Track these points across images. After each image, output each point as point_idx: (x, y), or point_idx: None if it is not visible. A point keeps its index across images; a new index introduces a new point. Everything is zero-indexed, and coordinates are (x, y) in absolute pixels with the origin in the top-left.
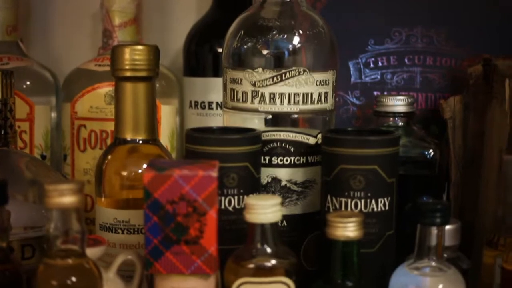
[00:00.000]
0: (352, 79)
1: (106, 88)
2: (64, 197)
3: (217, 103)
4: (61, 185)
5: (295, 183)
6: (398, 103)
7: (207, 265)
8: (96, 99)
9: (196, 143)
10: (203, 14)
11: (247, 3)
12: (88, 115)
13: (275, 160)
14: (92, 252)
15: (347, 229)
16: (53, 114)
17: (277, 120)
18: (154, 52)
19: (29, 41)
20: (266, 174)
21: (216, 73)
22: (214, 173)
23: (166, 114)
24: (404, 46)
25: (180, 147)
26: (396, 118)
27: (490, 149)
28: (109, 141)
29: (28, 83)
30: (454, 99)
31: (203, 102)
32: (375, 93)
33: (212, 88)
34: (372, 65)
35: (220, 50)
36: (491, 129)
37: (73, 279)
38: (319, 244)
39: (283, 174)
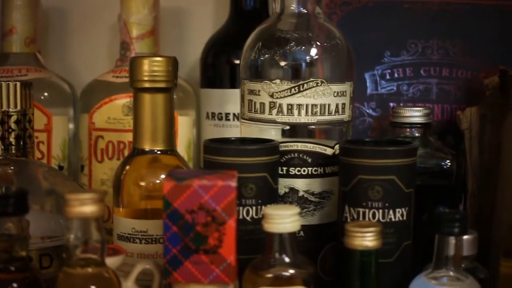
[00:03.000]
0: (368, 91)
1: (124, 100)
2: (85, 206)
3: (234, 114)
4: (82, 194)
5: (312, 194)
6: (415, 114)
7: (226, 275)
8: (114, 110)
9: (215, 153)
10: (219, 26)
11: (264, 15)
12: (106, 126)
13: (292, 170)
14: (110, 261)
15: (366, 239)
16: (71, 125)
17: (294, 131)
18: (173, 64)
19: (46, 53)
20: (283, 185)
21: (233, 84)
22: (233, 183)
23: (183, 125)
24: (420, 57)
25: (197, 158)
26: (413, 129)
27: (507, 159)
28: (126, 152)
29: (46, 94)
30: (471, 110)
31: (220, 113)
32: (391, 104)
33: (229, 100)
34: (388, 77)
35: (237, 61)
36: (508, 140)
37: (93, 287)
38: (336, 254)
39: (301, 185)
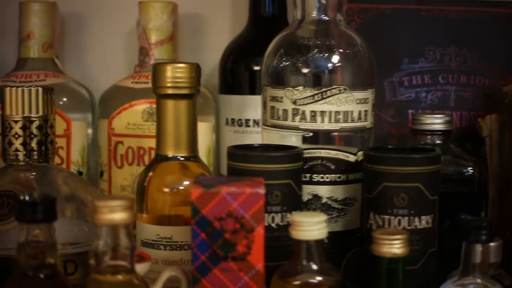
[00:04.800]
0: (387, 98)
1: (143, 105)
2: (115, 213)
3: (253, 120)
4: (111, 201)
5: (336, 200)
6: (436, 121)
7: (254, 282)
8: (133, 116)
9: (240, 160)
10: (237, 33)
11: (283, 22)
12: (125, 131)
13: (315, 177)
14: (138, 268)
15: (393, 246)
16: (89, 131)
17: (315, 138)
18: (196, 70)
19: (63, 58)
20: (307, 191)
21: (253, 90)
22: (262, 190)
23: (203, 131)
24: (438, 65)
25: (216, 164)
26: (434, 136)
27: None
28: (146, 158)
29: (64, 99)
30: (491, 117)
31: (239, 119)
32: (409, 111)
33: (248, 106)
34: (406, 84)
35: (256, 68)
36: None
37: None
38: (360, 261)
39: (324, 192)
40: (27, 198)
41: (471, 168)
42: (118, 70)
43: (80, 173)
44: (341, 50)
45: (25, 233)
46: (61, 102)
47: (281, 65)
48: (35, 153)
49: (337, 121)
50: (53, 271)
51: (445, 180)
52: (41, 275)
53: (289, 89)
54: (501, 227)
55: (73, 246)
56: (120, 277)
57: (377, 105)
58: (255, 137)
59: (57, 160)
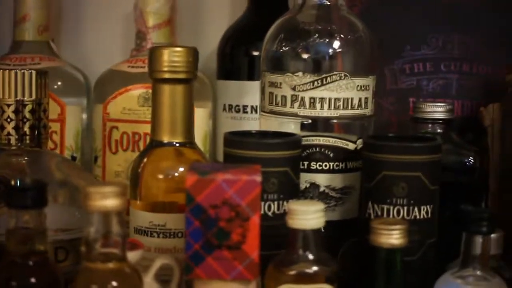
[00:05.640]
0: (388, 85)
1: (139, 90)
2: (107, 199)
3: (251, 106)
4: (103, 187)
5: (334, 189)
6: (437, 110)
7: (248, 271)
8: (129, 100)
9: (236, 147)
10: (236, 17)
11: (283, 6)
12: (121, 116)
13: (314, 165)
14: (129, 256)
15: (392, 237)
16: (84, 115)
17: (314, 125)
18: (193, 54)
19: (59, 42)
20: (304, 180)
21: (251, 76)
22: (258, 178)
23: (199, 117)
24: (441, 52)
25: (212, 151)
26: (435, 125)
27: None
28: (141, 144)
29: (59, 83)
30: (493, 106)
31: (237, 105)
32: (410, 99)
33: (246, 92)
34: (408, 71)
35: (255, 53)
36: None
37: (114, 283)
38: (357, 251)
39: (322, 180)
40: (16, 183)
41: (472, 158)
42: (115, 54)
43: (73, 158)
44: (342, 36)
45: (14, 219)
46: (55, 86)
47: (281, 50)
48: (27, 137)
49: (336, 108)
50: (42, 258)
51: (445, 169)
52: (30, 262)
53: (288, 75)
54: (502, 218)
55: (64, 232)
56: (111, 265)
57: (378, 93)
58: (253, 123)
59: (50, 145)
